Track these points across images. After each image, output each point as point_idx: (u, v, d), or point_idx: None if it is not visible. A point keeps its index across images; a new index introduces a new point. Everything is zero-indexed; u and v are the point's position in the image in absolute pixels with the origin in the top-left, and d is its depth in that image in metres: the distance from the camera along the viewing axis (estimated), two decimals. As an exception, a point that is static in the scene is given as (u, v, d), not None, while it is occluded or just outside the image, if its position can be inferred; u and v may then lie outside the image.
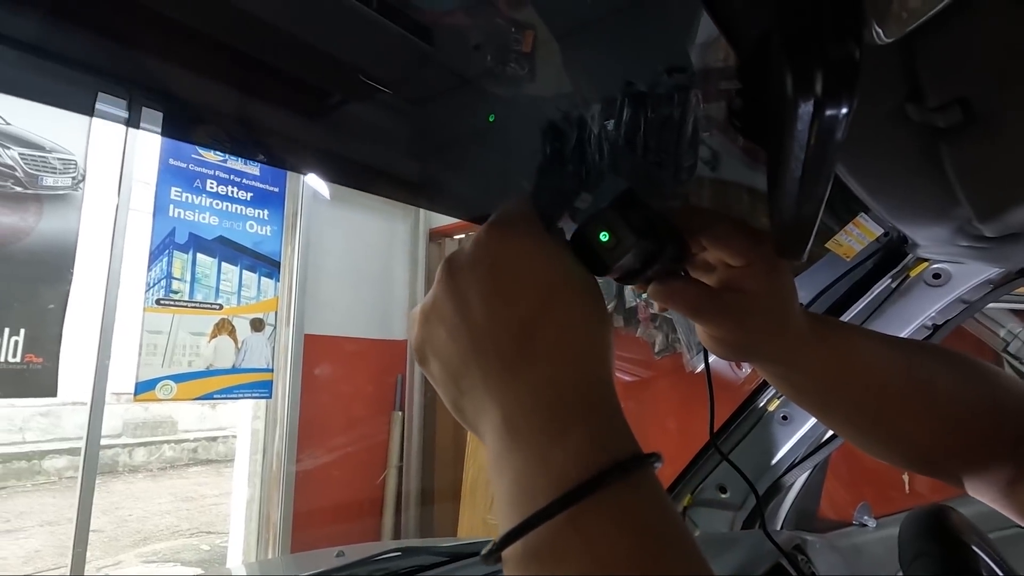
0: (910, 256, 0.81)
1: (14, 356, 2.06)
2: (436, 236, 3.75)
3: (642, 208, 0.34)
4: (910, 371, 0.42)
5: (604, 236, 0.31)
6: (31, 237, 2.13)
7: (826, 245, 0.74)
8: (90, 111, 0.51)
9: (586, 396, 0.27)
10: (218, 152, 2.78)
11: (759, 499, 0.98)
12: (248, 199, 2.87)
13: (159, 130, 0.54)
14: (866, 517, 1.17)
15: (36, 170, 2.18)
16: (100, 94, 0.51)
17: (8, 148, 2.14)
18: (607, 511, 0.23)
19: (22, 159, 2.15)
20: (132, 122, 0.54)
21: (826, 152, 0.20)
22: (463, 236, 3.72)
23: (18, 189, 2.12)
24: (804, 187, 0.24)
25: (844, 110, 0.18)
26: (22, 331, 2.08)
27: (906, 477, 1.96)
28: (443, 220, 3.67)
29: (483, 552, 0.25)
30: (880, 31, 0.34)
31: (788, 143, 0.21)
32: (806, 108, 0.18)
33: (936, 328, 0.86)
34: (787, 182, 0.24)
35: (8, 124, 2.17)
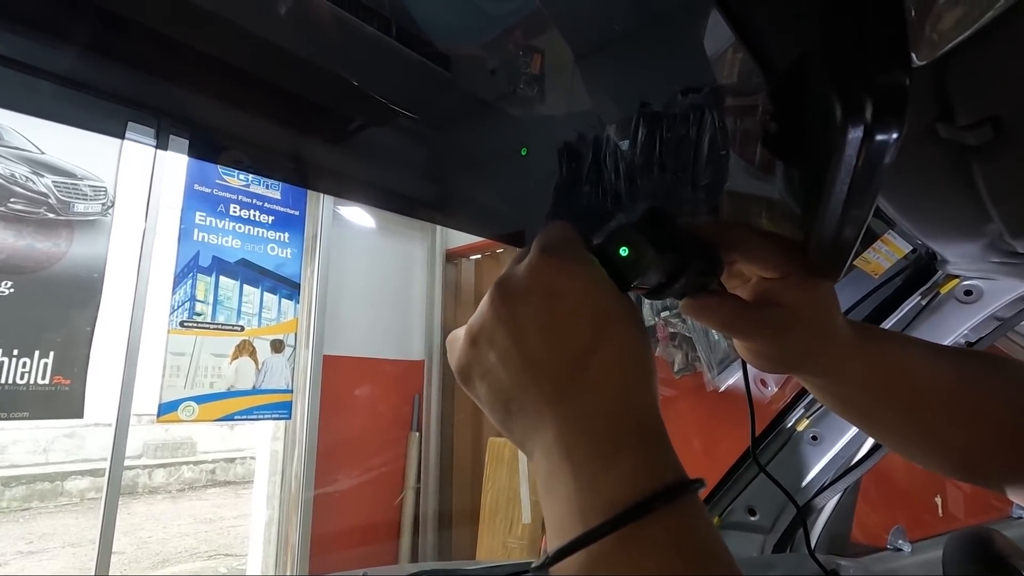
0: (940, 273, 0.79)
1: (43, 378, 2.11)
2: (453, 257, 3.77)
3: (667, 224, 0.34)
4: (959, 378, 0.41)
5: (624, 251, 0.31)
6: (62, 262, 2.19)
7: (854, 262, 0.73)
8: (121, 136, 0.53)
9: (636, 423, 0.28)
10: (241, 176, 2.85)
11: (800, 510, 0.95)
12: (270, 222, 2.93)
13: (185, 152, 0.57)
14: (901, 541, 1.13)
15: (68, 197, 2.25)
16: (130, 123, 0.53)
17: (42, 176, 2.22)
18: (656, 533, 0.25)
19: (55, 186, 2.23)
20: (160, 147, 0.56)
21: (873, 176, 0.21)
22: (479, 256, 3.75)
23: (51, 215, 2.20)
24: (848, 209, 0.24)
25: (895, 135, 0.19)
26: (51, 353, 2.13)
27: (939, 500, 1.90)
28: (460, 241, 3.70)
29: (534, 565, 0.27)
30: (912, 55, 0.34)
31: (834, 167, 0.21)
32: (855, 134, 0.19)
33: (970, 346, 0.84)
34: (831, 204, 0.24)
35: (42, 153, 2.26)
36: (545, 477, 0.28)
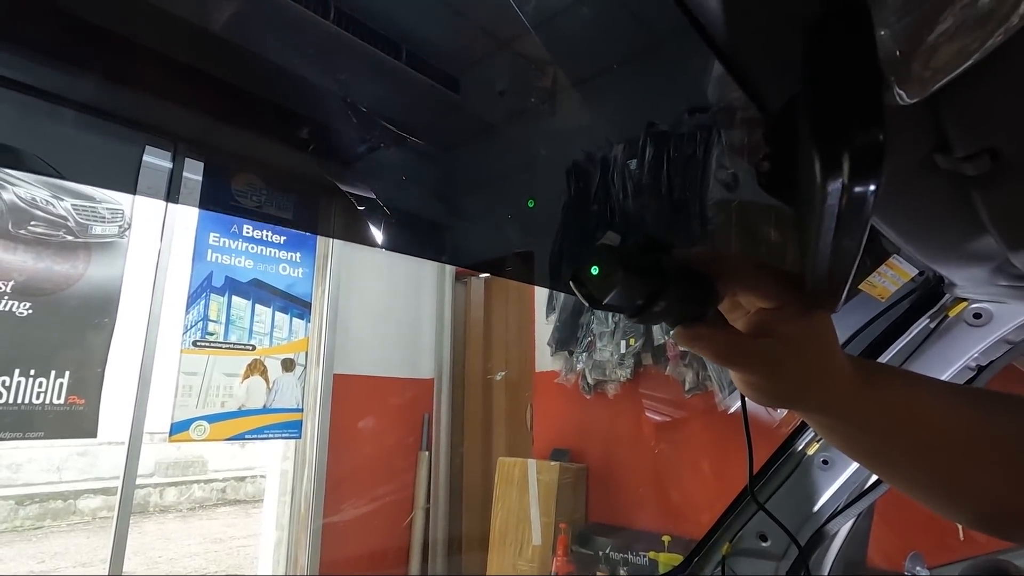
0: (948, 296, 0.79)
1: (59, 398, 2.14)
2: (462, 276, 3.80)
3: (653, 249, 0.35)
4: (977, 420, 0.39)
5: (595, 270, 0.32)
6: (80, 283, 2.24)
7: (859, 287, 0.73)
8: (132, 188, 0.54)
9: None
10: (254, 196, 2.90)
11: (802, 551, 0.93)
12: (281, 242, 2.97)
13: (197, 204, 0.58)
14: (919, 567, 1.11)
15: (86, 220, 2.31)
16: (147, 147, 0.55)
17: (62, 200, 2.28)
18: None
19: (74, 210, 2.29)
20: (175, 178, 0.58)
21: (857, 220, 0.21)
22: (487, 276, 3.76)
23: (70, 238, 2.25)
24: (837, 246, 0.25)
25: (872, 188, 0.19)
26: (67, 373, 2.17)
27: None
28: (469, 259, 3.72)
29: None
30: (902, 93, 0.35)
31: (819, 211, 0.22)
32: (835, 186, 0.19)
33: (980, 369, 0.83)
34: (820, 242, 0.25)
35: (63, 177, 2.32)
36: None
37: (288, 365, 2.90)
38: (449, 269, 3.74)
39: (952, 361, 0.81)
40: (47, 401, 2.12)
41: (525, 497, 2.86)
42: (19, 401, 2.06)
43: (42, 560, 4.69)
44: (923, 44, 0.34)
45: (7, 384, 2.04)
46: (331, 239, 3.13)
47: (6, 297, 2.07)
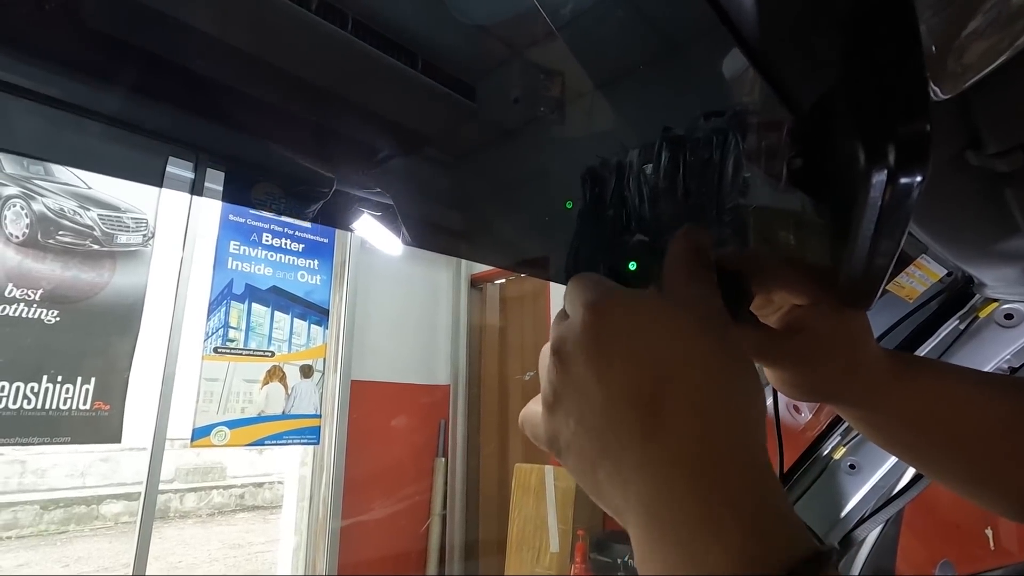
0: (978, 296, 0.78)
1: (84, 403, 2.18)
2: (477, 282, 3.81)
3: None
4: (1015, 411, 0.38)
5: (632, 266, 0.32)
6: (105, 291, 2.29)
7: (887, 287, 0.72)
8: (159, 180, 0.56)
9: (733, 473, 0.23)
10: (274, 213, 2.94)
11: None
12: (300, 250, 3.01)
13: (220, 195, 0.60)
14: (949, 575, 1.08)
15: (112, 229, 2.36)
16: (170, 158, 0.56)
17: (88, 210, 2.33)
18: None
19: (100, 219, 2.34)
20: (197, 187, 0.59)
21: (900, 214, 0.21)
22: (503, 281, 3.77)
23: (95, 247, 2.30)
24: (876, 243, 0.25)
25: (918, 179, 0.19)
26: (93, 380, 2.21)
27: (990, 532, 1.81)
28: (484, 266, 3.74)
29: None
30: (936, 89, 0.35)
31: (860, 205, 0.22)
32: (879, 178, 0.20)
33: (1013, 371, 0.81)
34: (859, 239, 0.25)
35: (89, 188, 2.38)
36: (643, 551, 0.24)
37: (306, 371, 2.93)
38: (465, 275, 3.75)
39: (983, 363, 0.79)
40: (73, 407, 2.16)
41: (542, 504, 2.85)
42: (47, 407, 2.10)
43: (66, 564, 4.77)
44: (955, 41, 0.34)
45: (35, 390, 2.09)
46: (348, 248, 3.16)
47: (35, 305, 2.12)
